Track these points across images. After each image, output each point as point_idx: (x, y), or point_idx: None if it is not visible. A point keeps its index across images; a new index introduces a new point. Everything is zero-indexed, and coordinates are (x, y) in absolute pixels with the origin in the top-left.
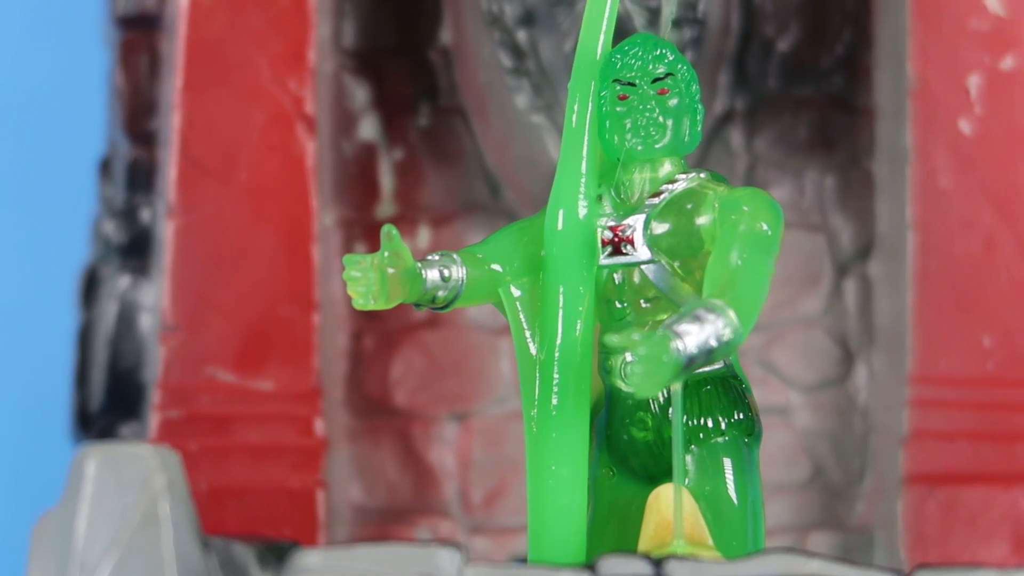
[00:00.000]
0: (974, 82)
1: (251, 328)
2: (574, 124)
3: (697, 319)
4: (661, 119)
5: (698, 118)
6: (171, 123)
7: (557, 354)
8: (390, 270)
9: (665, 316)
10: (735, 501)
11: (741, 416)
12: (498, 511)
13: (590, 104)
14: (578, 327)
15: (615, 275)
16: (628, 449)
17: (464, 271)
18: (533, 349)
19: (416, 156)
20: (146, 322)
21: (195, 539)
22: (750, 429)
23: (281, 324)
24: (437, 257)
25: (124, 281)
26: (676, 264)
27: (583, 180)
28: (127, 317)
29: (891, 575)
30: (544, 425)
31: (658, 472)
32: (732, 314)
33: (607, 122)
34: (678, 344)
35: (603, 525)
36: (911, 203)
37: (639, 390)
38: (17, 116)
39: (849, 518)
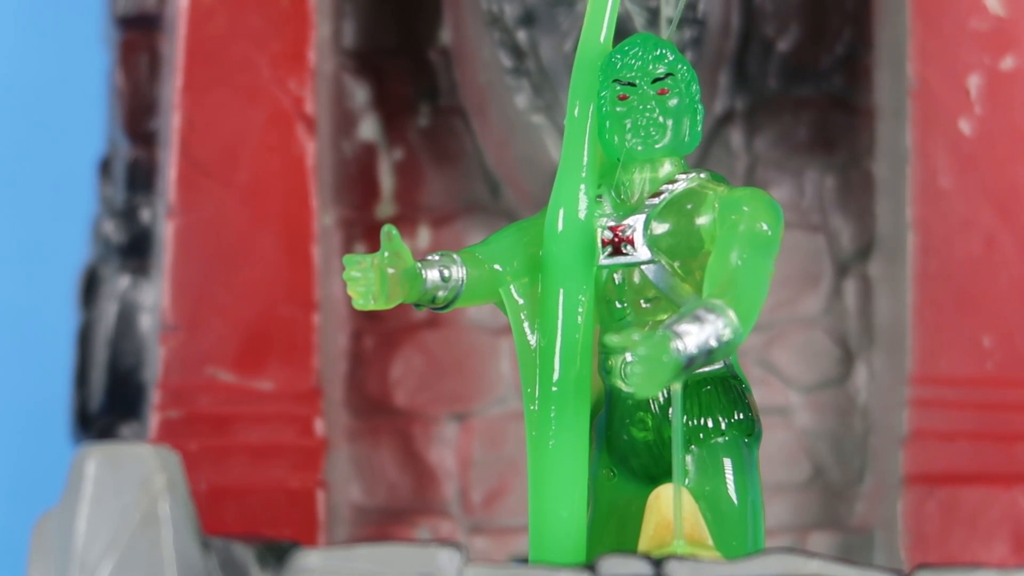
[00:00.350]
0: (974, 82)
1: (251, 328)
2: (574, 124)
3: (697, 319)
4: (661, 119)
5: (698, 118)
6: (171, 123)
7: (557, 354)
8: (390, 270)
9: (665, 316)
10: (735, 501)
11: (741, 416)
12: (498, 511)
13: (591, 104)
14: (578, 327)
15: (615, 275)
16: (628, 449)
17: (464, 271)
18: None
19: (416, 156)
20: (146, 322)
21: (195, 539)
22: (750, 429)
23: (281, 324)
24: (437, 257)
25: (124, 281)
26: (676, 264)
27: (583, 180)
28: (127, 317)
29: (891, 575)
30: (544, 425)
31: (658, 472)
32: (732, 314)
33: (607, 122)
34: (678, 344)
35: (603, 525)
36: (911, 203)
37: (639, 390)
38: (17, 116)
39: (849, 518)
